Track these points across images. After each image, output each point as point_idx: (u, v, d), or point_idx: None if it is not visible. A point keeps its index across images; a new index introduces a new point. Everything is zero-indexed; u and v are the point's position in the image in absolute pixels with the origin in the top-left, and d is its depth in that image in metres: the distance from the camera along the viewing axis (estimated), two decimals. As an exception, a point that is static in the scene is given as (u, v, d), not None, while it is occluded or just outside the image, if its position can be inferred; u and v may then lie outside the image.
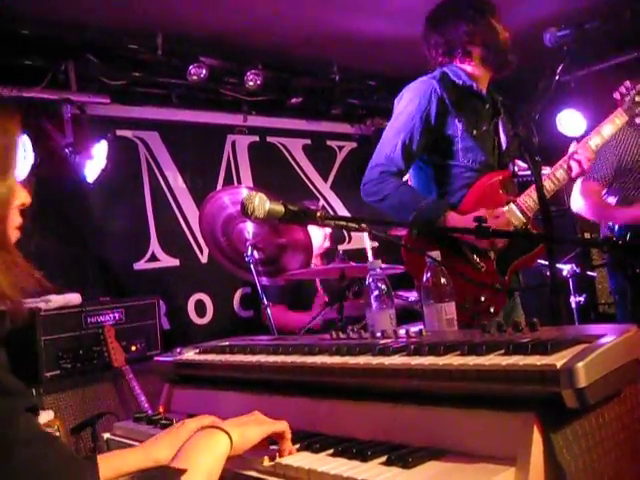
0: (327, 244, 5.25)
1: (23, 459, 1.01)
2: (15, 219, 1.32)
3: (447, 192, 3.04)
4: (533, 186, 2.91)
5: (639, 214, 3.95)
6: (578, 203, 4.24)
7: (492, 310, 2.79)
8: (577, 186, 4.19)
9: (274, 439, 1.56)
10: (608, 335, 1.31)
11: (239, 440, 1.44)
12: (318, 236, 5.01)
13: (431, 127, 2.99)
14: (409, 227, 3.03)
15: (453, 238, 2.89)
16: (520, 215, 2.91)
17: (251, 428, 1.49)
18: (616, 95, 3.64)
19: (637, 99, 3.27)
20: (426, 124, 2.98)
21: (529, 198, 2.93)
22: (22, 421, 1.05)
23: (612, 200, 4.19)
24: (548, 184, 2.97)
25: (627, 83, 3.49)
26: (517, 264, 2.97)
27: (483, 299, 2.76)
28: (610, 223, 4.11)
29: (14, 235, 1.32)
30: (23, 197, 1.33)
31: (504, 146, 3.14)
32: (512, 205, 2.93)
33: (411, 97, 3.05)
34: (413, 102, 3.02)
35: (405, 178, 3.16)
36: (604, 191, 4.20)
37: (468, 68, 3.11)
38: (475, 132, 3.01)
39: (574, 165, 3.02)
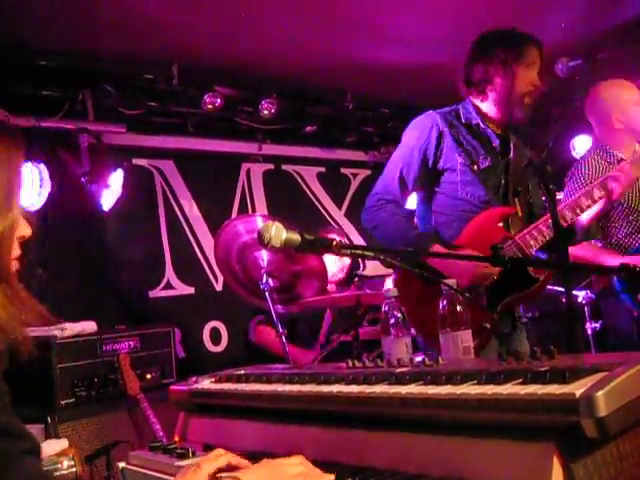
0: (341, 275, 5.25)
1: None
2: (15, 251, 1.32)
3: (444, 223, 3.07)
4: (534, 224, 2.91)
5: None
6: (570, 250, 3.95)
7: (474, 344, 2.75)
8: None
9: None
10: (627, 363, 1.29)
11: None
12: (333, 267, 5.02)
13: (429, 160, 3.07)
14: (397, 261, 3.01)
15: (437, 273, 2.84)
16: (517, 252, 2.89)
17: None
18: None
19: None
20: (424, 157, 3.07)
21: (529, 236, 2.92)
22: (21, 465, 1.04)
23: (597, 243, 3.91)
24: (568, 212, 2.94)
25: None
26: (507, 302, 2.93)
27: None
28: None
29: (14, 267, 1.32)
30: (23, 229, 1.32)
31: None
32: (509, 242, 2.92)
33: (413, 130, 3.14)
34: (414, 135, 3.12)
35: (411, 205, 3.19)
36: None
37: (483, 106, 3.13)
38: (475, 167, 3.03)
39: (614, 185, 3.00)
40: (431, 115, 3.12)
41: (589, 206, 3.01)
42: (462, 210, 3.03)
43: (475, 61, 3.13)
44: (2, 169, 1.25)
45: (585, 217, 3.20)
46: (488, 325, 2.81)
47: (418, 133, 3.09)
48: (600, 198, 3.03)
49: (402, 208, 3.12)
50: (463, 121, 3.10)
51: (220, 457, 1.64)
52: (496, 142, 3.11)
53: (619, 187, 3.01)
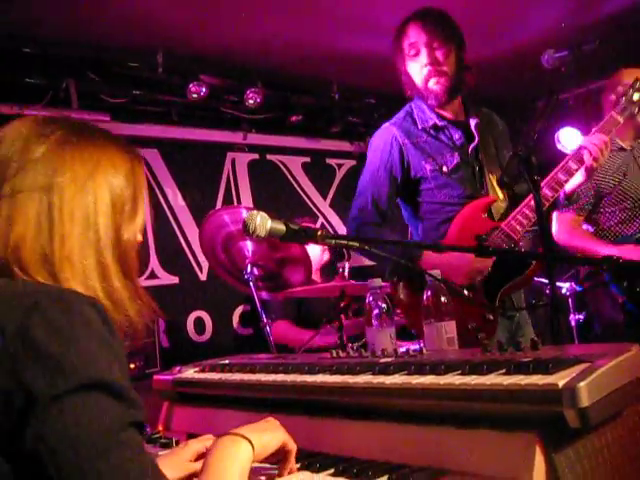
0: (326, 257, 5.27)
1: (117, 463, 1.04)
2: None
3: (430, 227, 3.04)
4: (518, 208, 2.90)
5: (625, 255, 3.58)
6: (563, 236, 3.94)
7: (481, 337, 2.75)
8: (555, 219, 3.96)
9: (279, 455, 1.54)
10: (609, 354, 1.30)
11: (260, 447, 1.43)
12: (316, 249, 5.03)
13: (397, 175, 3.03)
14: (388, 278, 2.98)
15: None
16: (505, 239, 2.89)
17: (269, 435, 1.48)
18: (612, 97, 3.61)
19: (635, 97, 3.20)
20: (391, 174, 3.03)
21: (514, 221, 2.90)
22: (129, 430, 1.09)
23: (588, 228, 3.94)
24: (548, 191, 2.93)
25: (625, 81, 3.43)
26: (505, 290, 2.90)
27: (470, 327, 2.71)
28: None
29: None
30: (140, 236, 1.45)
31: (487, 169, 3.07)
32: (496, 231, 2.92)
33: (375, 148, 3.09)
34: (376, 154, 3.07)
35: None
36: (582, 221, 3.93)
37: (429, 101, 3.05)
38: (445, 169, 2.98)
39: (585, 155, 2.98)
40: (388, 129, 3.07)
41: (567, 181, 3.00)
42: (445, 212, 2.99)
43: None
44: (130, 183, 1.38)
45: (569, 187, 3.21)
46: (491, 317, 2.80)
47: (380, 152, 3.04)
48: (577, 170, 3.03)
49: (383, 227, 3.06)
50: (420, 126, 3.04)
51: (207, 439, 1.69)
52: (457, 134, 3.05)
53: (589, 153, 3.00)
